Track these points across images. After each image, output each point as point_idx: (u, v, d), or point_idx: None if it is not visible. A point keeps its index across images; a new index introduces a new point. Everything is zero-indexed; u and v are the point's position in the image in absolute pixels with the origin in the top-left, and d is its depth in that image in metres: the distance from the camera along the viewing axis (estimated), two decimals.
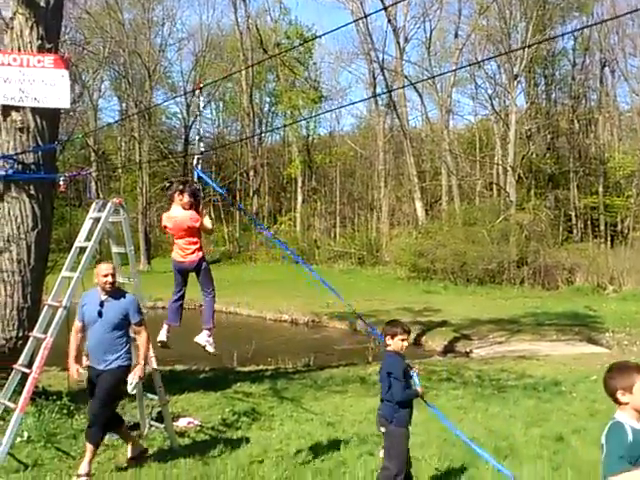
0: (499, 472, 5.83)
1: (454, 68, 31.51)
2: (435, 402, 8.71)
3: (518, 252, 27.24)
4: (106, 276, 5.67)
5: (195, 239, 5.78)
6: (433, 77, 32.23)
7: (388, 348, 4.96)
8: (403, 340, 4.89)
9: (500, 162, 34.76)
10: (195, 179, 6.11)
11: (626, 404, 3.08)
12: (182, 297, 5.99)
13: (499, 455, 6.30)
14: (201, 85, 6.89)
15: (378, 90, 37.85)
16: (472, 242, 27.56)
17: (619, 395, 3.10)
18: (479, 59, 35.01)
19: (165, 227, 5.94)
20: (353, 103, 38.41)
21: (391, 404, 4.86)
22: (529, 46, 28.92)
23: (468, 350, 14.76)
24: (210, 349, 5.99)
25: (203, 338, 5.97)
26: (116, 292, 5.80)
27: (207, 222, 5.92)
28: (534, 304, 20.86)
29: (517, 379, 10.39)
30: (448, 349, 15.20)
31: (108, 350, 5.68)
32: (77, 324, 5.83)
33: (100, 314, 5.68)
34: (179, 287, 5.96)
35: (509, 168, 31.32)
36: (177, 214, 5.80)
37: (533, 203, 32.18)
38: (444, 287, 25.83)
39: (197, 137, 6.63)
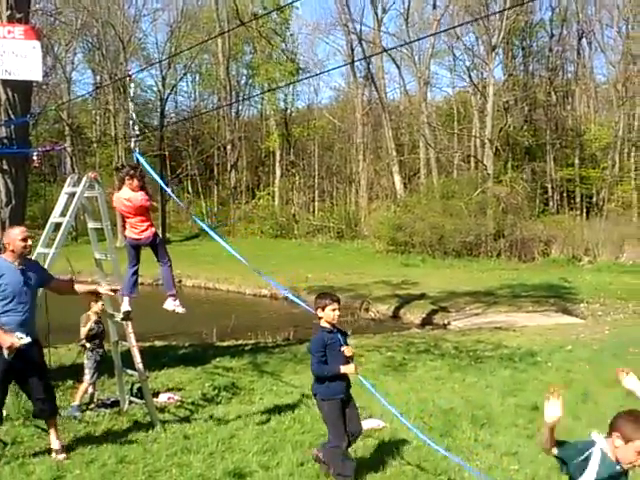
0: (476, 440, 5.98)
1: (432, 33, 31.26)
2: (413, 373, 8.89)
3: (495, 225, 27.53)
4: (25, 240, 5.36)
5: (145, 217, 6.12)
6: (409, 42, 31.98)
7: (321, 322, 4.98)
8: (334, 310, 4.92)
9: (478, 135, 34.83)
10: (135, 161, 6.51)
11: (615, 447, 3.02)
12: (137, 271, 6.31)
13: (476, 424, 6.43)
14: (131, 73, 7.08)
15: (357, 63, 37.56)
16: (450, 215, 27.76)
17: (614, 436, 3.02)
18: (457, 31, 34.92)
19: (115, 208, 6.20)
20: (329, 70, 38.10)
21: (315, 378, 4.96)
22: (504, 10, 28.81)
23: (446, 322, 14.98)
24: (179, 310, 6.32)
25: (170, 304, 6.31)
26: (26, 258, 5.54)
27: (154, 202, 6.34)
28: (510, 276, 21.16)
29: (493, 350, 10.56)
30: (426, 321, 15.40)
31: (33, 321, 5.44)
32: None
33: (27, 283, 5.34)
34: (134, 262, 6.26)
35: (487, 141, 31.43)
36: (129, 195, 6.04)
37: (510, 176, 32.40)
38: (422, 260, 26.05)
39: (131, 122, 6.79)
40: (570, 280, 19.80)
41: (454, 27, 31.60)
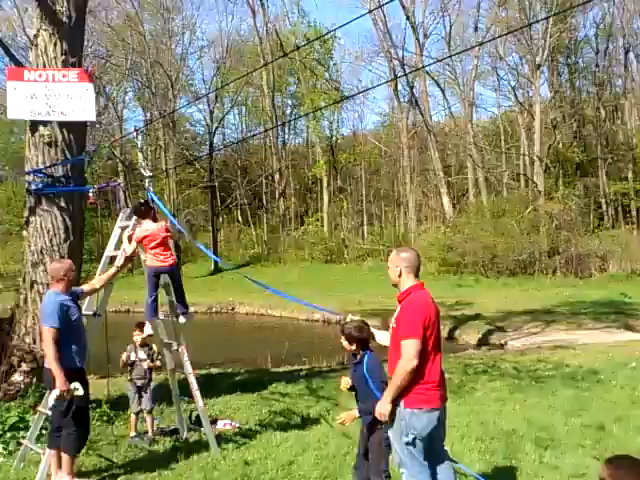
0: (541, 462, 5.78)
1: (473, 46, 31.09)
2: (472, 395, 8.69)
3: (549, 242, 26.94)
4: (74, 272, 5.65)
5: (165, 247, 6.45)
6: (449, 56, 31.83)
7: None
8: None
9: (526, 153, 34.33)
10: (149, 201, 6.77)
11: None
12: (156, 298, 6.56)
13: (540, 446, 6.22)
14: (137, 128, 7.49)
15: (400, 87, 37.72)
16: (501, 234, 27.33)
17: None
18: (500, 52, 34.73)
19: (142, 240, 6.38)
20: (370, 88, 37.91)
21: None
22: (545, 18, 28.45)
23: (503, 342, 14.64)
24: (182, 320, 6.61)
25: (182, 319, 6.63)
26: None
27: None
28: (568, 293, 20.61)
29: (554, 369, 10.24)
30: (482, 342, 15.09)
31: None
32: (54, 331, 5.26)
33: (79, 312, 5.62)
34: (153, 289, 6.51)
35: (536, 158, 30.93)
36: (151, 227, 6.38)
37: (562, 192, 31.76)
38: (475, 280, 25.65)
39: (142, 164, 7.05)
40: (630, 295, 19.11)
41: (495, 38, 31.47)
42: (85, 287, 6.01)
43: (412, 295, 4.07)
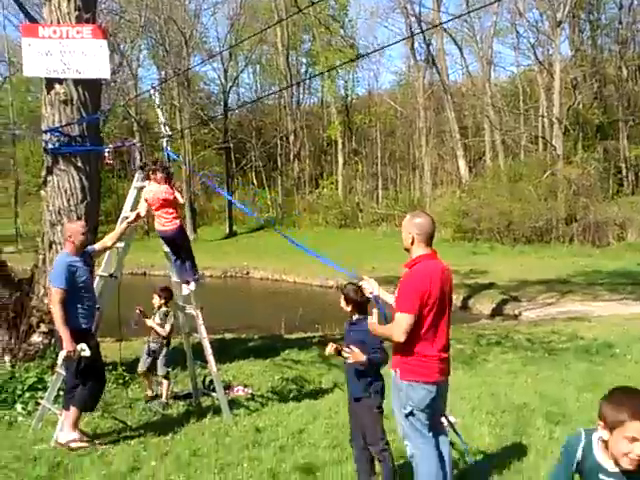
0: (551, 438, 5.77)
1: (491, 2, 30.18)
2: (484, 367, 8.69)
3: (566, 208, 26.60)
4: (85, 234, 5.64)
5: (171, 210, 6.29)
6: (468, 12, 30.99)
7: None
8: None
9: (545, 114, 33.65)
10: (166, 159, 6.74)
11: (604, 442, 2.49)
12: (181, 260, 6.49)
13: (551, 421, 6.20)
14: (154, 86, 7.31)
15: (416, 45, 36.91)
16: (518, 200, 27.01)
17: (598, 429, 2.50)
18: (520, 8, 33.73)
19: (145, 200, 6.34)
20: (386, 46, 36.67)
21: None
22: None
23: (517, 312, 14.59)
24: (186, 291, 6.55)
25: (185, 289, 6.55)
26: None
27: (177, 196, 6.40)
28: (584, 262, 20.42)
29: (568, 341, 10.20)
30: (496, 312, 15.05)
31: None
32: (61, 292, 5.33)
33: (90, 274, 5.65)
34: (171, 254, 6.52)
35: (555, 120, 30.31)
36: (153, 188, 6.27)
37: (581, 156, 31.18)
38: (490, 247, 25.48)
39: (161, 125, 6.92)
40: None
41: None
42: (97, 246, 6.05)
43: (418, 265, 3.97)
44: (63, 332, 5.26)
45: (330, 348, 4.58)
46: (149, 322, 7.05)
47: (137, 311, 7.06)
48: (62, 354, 5.34)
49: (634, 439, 2.34)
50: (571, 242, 25.74)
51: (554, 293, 15.82)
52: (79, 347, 5.31)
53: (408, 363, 3.93)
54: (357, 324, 4.54)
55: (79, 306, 5.46)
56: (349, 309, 4.58)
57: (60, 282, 5.33)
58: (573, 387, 7.41)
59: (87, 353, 5.35)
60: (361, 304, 4.54)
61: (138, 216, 6.26)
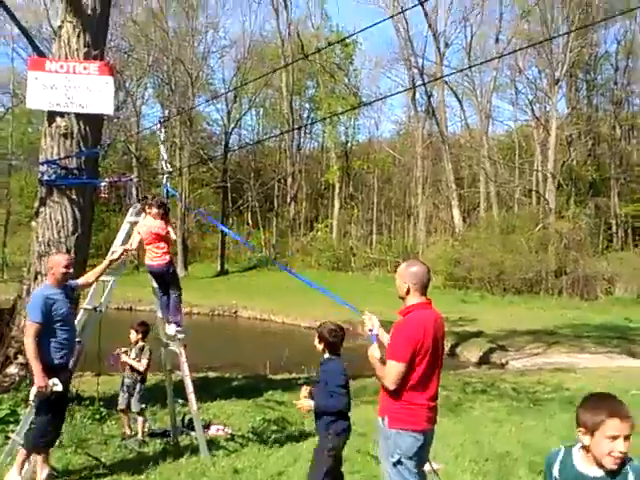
0: None
1: (493, 57, 30.96)
2: (469, 414, 8.63)
3: (557, 261, 26.78)
4: (67, 267, 5.47)
5: (163, 244, 6.29)
6: (470, 67, 31.80)
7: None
8: None
9: (540, 169, 34.20)
10: (164, 195, 6.79)
11: (585, 448, 2.53)
12: (167, 297, 6.46)
13: (533, 470, 6.14)
14: (161, 120, 7.48)
15: (418, 96, 37.68)
16: (510, 251, 27.19)
17: (579, 435, 2.53)
18: (520, 64, 34.61)
19: (138, 233, 6.36)
20: (388, 96, 38.04)
21: None
22: (566, 34, 28.28)
23: (504, 361, 14.54)
24: (180, 336, 6.44)
25: (172, 329, 6.43)
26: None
27: (170, 232, 6.43)
28: (572, 315, 20.46)
29: (553, 392, 10.17)
30: (483, 360, 14.99)
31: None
32: (36, 326, 5.17)
33: (70, 308, 5.49)
34: (158, 289, 6.49)
35: (549, 175, 30.79)
36: (147, 222, 6.31)
37: (573, 211, 31.59)
38: (480, 296, 25.52)
39: (162, 162, 7.01)
40: (634, 320, 18.95)
41: (516, 51, 31.40)
42: (80, 280, 5.97)
43: (413, 314, 3.93)
44: (35, 366, 5.13)
45: (305, 391, 4.60)
46: (124, 358, 6.89)
47: (115, 353, 6.93)
48: (34, 390, 5.22)
49: (614, 437, 2.40)
50: (560, 294, 25.83)
51: (541, 344, 15.81)
52: (51, 382, 5.17)
53: (397, 411, 3.89)
54: (324, 364, 4.54)
55: (52, 340, 5.29)
56: (321, 347, 4.57)
57: (36, 316, 5.20)
58: (557, 437, 7.34)
59: (59, 388, 5.21)
60: (333, 344, 4.53)
61: (126, 251, 6.25)
